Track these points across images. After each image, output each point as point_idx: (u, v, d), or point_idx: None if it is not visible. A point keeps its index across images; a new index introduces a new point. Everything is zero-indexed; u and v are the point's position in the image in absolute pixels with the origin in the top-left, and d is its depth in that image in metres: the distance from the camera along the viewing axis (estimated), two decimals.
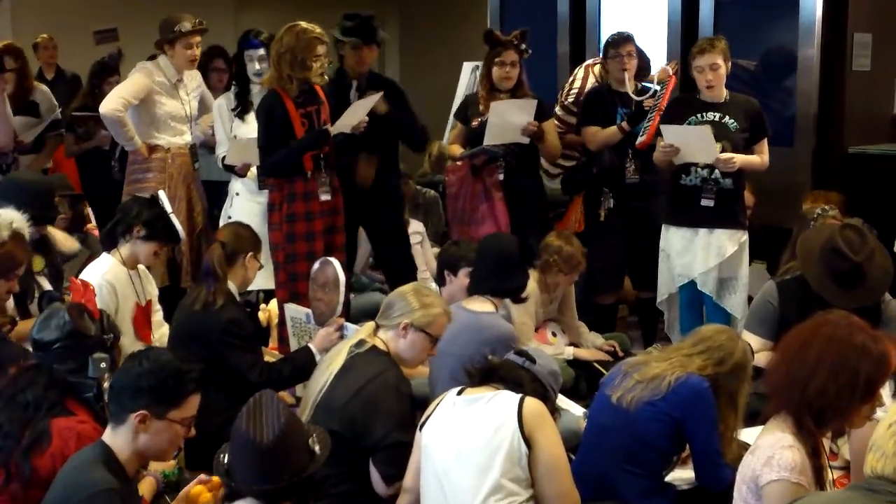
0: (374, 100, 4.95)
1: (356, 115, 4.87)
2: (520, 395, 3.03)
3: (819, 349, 2.63)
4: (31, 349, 3.23)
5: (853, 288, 3.84)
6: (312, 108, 4.87)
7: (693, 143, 4.81)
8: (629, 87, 5.37)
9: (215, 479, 3.04)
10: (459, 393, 3.13)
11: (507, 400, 3.02)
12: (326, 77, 4.94)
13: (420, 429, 3.16)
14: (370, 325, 3.65)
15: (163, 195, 4.52)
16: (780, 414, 2.69)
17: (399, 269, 5.31)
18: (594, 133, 5.49)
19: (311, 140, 4.82)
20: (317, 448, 2.64)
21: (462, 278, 4.44)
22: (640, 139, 5.24)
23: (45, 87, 6.88)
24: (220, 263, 4.03)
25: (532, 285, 4.60)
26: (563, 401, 3.99)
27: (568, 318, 5.21)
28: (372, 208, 5.28)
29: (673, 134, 4.86)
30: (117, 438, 2.71)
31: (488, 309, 4.09)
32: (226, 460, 2.62)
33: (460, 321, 3.99)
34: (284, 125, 4.78)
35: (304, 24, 4.78)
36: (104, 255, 4.38)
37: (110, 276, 4.24)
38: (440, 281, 4.67)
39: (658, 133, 5.02)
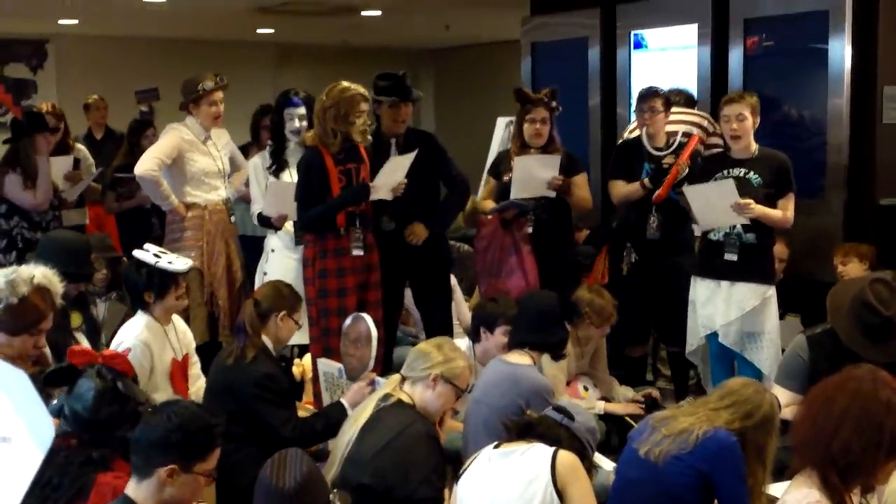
0: (410, 158, 5.01)
1: (395, 173, 4.93)
2: (553, 448, 3.06)
3: (844, 404, 2.61)
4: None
5: (883, 342, 3.82)
6: (352, 166, 4.92)
7: (717, 201, 4.77)
8: (647, 143, 5.41)
9: None
10: (496, 447, 3.18)
11: (540, 453, 3.07)
12: (370, 137, 5.01)
13: (457, 481, 3.20)
14: (396, 378, 3.70)
15: (135, 253, 4.41)
16: (806, 469, 2.67)
17: (438, 326, 5.34)
18: (616, 187, 5.53)
19: (351, 195, 4.88)
20: (337, 502, 2.69)
21: (499, 336, 4.45)
22: (655, 193, 5.29)
23: (82, 147, 7.10)
24: (250, 321, 4.07)
25: None
26: (596, 456, 3.99)
27: (599, 372, 5.22)
28: (418, 265, 5.34)
29: (695, 193, 4.87)
30: (141, 491, 2.71)
31: (526, 362, 4.08)
32: None
33: (498, 372, 4.03)
34: (321, 181, 4.85)
35: (347, 83, 4.88)
36: (139, 313, 4.37)
37: (145, 337, 4.21)
38: (475, 337, 4.66)
39: (675, 188, 5.06)
